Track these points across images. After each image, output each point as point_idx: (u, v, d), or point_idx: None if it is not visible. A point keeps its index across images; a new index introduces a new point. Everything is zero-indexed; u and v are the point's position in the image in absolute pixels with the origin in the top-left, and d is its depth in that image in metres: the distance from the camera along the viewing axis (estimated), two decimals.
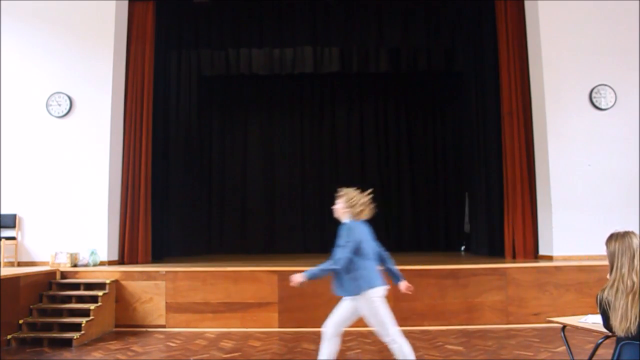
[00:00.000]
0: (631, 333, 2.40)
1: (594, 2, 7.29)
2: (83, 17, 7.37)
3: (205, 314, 6.23)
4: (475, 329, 5.99)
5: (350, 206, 3.71)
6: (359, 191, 3.75)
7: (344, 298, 3.63)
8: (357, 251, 3.54)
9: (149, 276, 6.36)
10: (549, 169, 7.11)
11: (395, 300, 6.17)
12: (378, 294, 3.52)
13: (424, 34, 8.77)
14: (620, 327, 2.42)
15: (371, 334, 5.77)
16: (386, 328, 3.52)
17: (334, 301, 6.12)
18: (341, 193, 3.81)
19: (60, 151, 7.19)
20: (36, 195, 7.11)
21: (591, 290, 6.13)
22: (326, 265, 3.53)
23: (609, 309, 2.49)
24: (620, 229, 2.66)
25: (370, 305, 3.50)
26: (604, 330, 2.69)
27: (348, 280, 3.52)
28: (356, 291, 3.50)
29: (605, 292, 2.53)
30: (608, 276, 2.59)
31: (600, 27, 7.25)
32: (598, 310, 2.59)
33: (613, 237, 2.59)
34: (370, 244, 3.67)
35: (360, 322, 6.05)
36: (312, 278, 3.57)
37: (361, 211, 3.71)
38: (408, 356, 3.49)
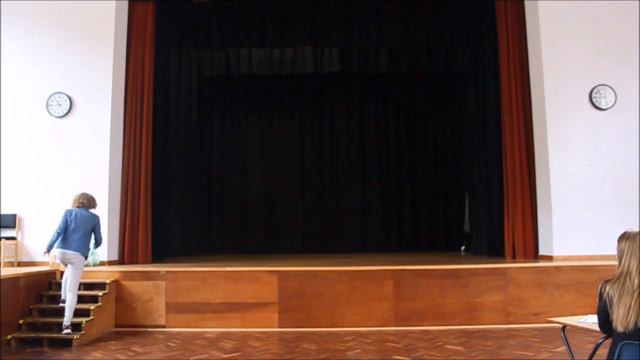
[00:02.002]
0: (629, 330, 2.45)
1: (593, 2, 7.28)
2: (83, 17, 7.37)
3: (205, 314, 6.23)
4: (475, 329, 5.99)
5: None
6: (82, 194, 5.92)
7: None
8: (64, 225, 5.66)
9: (149, 276, 6.36)
10: (549, 169, 7.11)
11: (395, 300, 6.21)
12: (58, 253, 5.66)
13: (424, 34, 8.76)
14: (621, 323, 2.47)
15: (371, 334, 5.79)
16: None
17: (333, 301, 6.16)
18: None
19: (60, 151, 7.19)
20: (36, 195, 7.11)
21: (591, 291, 6.13)
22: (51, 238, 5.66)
23: (611, 303, 2.53)
24: (634, 228, 2.69)
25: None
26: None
27: None
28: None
29: (609, 286, 2.57)
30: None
31: (600, 27, 7.25)
32: (597, 301, 2.62)
33: (625, 236, 2.62)
34: (72, 223, 5.67)
35: (360, 322, 6.08)
36: (49, 247, 5.61)
37: (73, 203, 5.84)
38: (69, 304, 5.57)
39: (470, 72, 8.57)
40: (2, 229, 6.99)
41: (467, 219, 9.76)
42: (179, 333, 6.02)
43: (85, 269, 6.52)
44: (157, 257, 7.80)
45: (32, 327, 5.71)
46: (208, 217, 10.62)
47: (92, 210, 5.87)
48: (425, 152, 11.00)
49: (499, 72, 7.70)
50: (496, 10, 7.82)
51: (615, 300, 2.51)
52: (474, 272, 6.29)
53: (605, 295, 2.56)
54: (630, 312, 2.44)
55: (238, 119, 11.03)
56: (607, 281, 2.60)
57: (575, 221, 6.95)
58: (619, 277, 2.55)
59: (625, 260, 2.56)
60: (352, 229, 10.58)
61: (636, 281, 2.49)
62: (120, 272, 6.42)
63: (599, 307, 2.62)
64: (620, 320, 2.47)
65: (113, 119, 7.31)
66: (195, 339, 5.67)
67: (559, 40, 7.26)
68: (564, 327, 3.43)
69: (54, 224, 6.99)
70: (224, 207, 10.79)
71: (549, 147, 7.14)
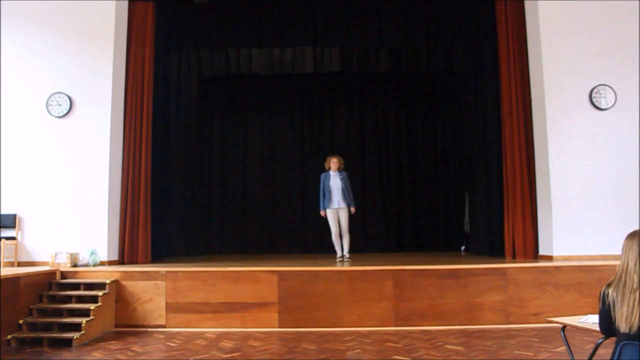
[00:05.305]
0: (633, 331, 2.43)
1: (593, 2, 7.28)
2: (83, 17, 7.37)
3: (205, 314, 6.24)
4: (475, 329, 5.99)
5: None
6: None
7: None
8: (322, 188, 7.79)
9: (149, 276, 6.36)
10: (549, 169, 7.11)
11: (395, 300, 6.21)
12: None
13: (424, 34, 8.77)
14: (624, 323, 2.46)
15: (371, 334, 5.79)
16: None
17: (333, 301, 6.17)
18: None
19: (60, 151, 7.19)
20: (36, 195, 7.11)
21: (591, 291, 6.13)
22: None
23: (614, 305, 2.52)
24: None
25: None
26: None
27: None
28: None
29: (611, 289, 2.55)
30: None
31: (600, 27, 7.25)
32: (599, 305, 2.61)
33: (630, 234, 2.62)
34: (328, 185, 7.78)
35: (360, 322, 6.08)
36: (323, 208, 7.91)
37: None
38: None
39: (470, 72, 8.57)
40: (2, 229, 6.99)
41: (467, 219, 9.76)
42: (179, 333, 6.02)
43: (85, 269, 6.56)
44: (157, 257, 7.80)
45: (32, 327, 5.71)
46: (208, 217, 10.61)
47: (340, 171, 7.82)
48: (425, 152, 10.99)
49: (499, 72, 7.69)
50: (496, 10, 7.81)
51: (618, 300, 2.50)
52: (474, 272, 6.29)
53: (608, 299, 2.55)
54: (634, 312, 2.43)
55: (238, 119, 11.03)
56: (608, 284, 2.59)
57: (575, 221, 6.95)
58: (620, 276, 2.54)
59: (625, 257, 2.56)
60: (352, 228, 10.55)
61: (636, 278, 2.48)
62: (120, 272, 6.42)
63: (601, 310, 2.60)
64: (624, 320, 2.46)
65: (113, 118, 7.31)
66: (195, 339, 5.67)
67: (559, 40, 7.25)
68: (564, 327, 3.43)
69: (54, 224, 7.09)
70: (224, 207, 10.78)
71: (549, 147, 7.14)
